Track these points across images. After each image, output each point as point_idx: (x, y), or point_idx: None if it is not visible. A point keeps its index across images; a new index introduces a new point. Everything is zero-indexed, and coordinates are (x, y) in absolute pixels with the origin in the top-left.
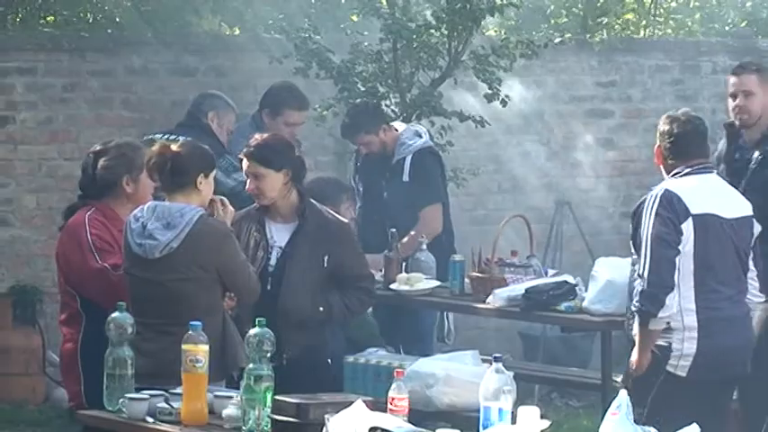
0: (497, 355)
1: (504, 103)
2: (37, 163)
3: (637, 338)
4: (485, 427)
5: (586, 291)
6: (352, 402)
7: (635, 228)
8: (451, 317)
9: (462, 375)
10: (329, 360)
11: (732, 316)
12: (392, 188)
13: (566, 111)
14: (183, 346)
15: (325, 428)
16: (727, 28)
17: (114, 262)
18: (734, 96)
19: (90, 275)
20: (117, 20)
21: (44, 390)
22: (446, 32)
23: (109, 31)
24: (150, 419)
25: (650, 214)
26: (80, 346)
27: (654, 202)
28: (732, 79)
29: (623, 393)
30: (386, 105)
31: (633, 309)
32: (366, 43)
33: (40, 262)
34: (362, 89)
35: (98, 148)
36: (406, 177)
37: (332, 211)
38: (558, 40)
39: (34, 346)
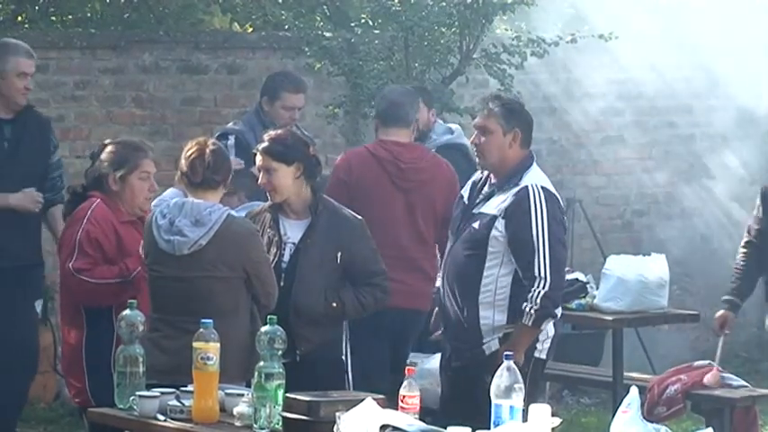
0: (508, 352)
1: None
2: None
3: (522, 339)
4: (496, 425)
5: (597, 289)
6: (363, 400)
7: (518, 226)
8: None
9: None
10: (342, 357)
11: None
12: None
13: (577, 108)
14: (194, 344)
15: (336, 426)
16: None
17: (80, 266)
18: None
19: (62, 272)
20: (126, 17)
21: (55, 387)
22: (457, 30)
23: (119, 28)
24: (161, 417)
25: (542, 214)
26: (84, 342)
27: (541, 201)
28: None
29: (634, 391)
30: None
31: (532, 310)
32: (377, 41)
33: (52, 260)
34: (374, 86)
35: (107, 141)
36: None
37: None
38: (569, 38)
39: (45, 343)
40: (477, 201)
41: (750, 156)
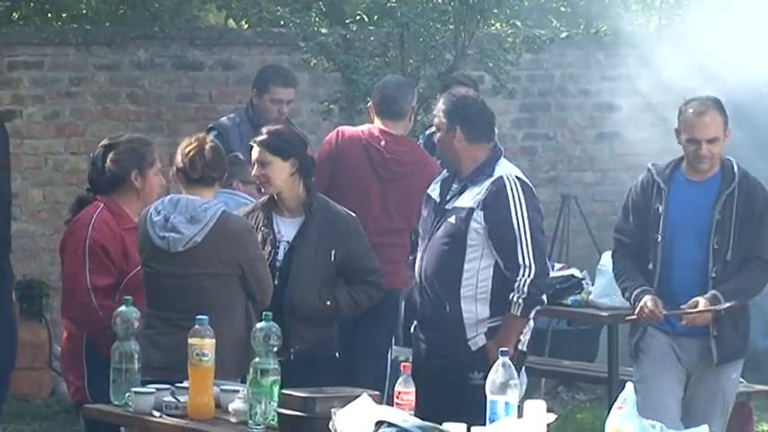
0: (503, 349)
1: (511, 95)
2: (43, 157)
3: (512, 331)
4: (491, 421)
5: (593, 285)
6: (359, 396)
7: (497, 216)
8: None
9: None
10: (336, 354)
11: None
12: None
13: (572, 104)
14: (190, 340)
15: (331, 422)
16: None
17: (98, 284)
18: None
19: (71, 287)
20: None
21: (50, 384)
22: (453, 27)
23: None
24: (157, 413)
25: (520, 203)
26: (85, 341)
27: (518, 190)
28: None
29: (630, 387)
30: None
31: (520, 299)
32: (372, 38)
33: (47, 256)
34: (370, 82)
35: (108, 141)
36: None
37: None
38: (564, 34)
39: (41, 340)
40: (449, 197)
41: (745, 152)
